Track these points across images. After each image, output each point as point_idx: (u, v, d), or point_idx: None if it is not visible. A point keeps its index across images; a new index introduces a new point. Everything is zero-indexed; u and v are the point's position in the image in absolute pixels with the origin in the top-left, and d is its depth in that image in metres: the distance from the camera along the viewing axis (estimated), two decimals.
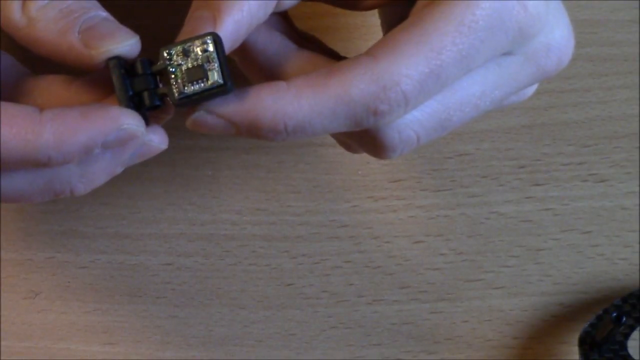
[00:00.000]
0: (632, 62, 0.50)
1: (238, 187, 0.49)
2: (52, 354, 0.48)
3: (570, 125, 0.50)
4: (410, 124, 0.36)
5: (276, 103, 0.34)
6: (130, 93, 0.35)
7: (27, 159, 0.34)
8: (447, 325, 0.49)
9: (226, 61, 0.35)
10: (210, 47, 0.35)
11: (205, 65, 0.35)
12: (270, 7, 0.36)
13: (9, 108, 0.34)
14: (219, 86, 0.35)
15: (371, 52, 0.35)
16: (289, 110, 0.34)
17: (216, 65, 0.35)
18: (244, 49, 0.37)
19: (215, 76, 0.35)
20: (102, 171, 0.36)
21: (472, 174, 0.50)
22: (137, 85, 0.35)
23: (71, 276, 0.49)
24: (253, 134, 0.35)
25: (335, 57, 0.39)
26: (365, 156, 0.49)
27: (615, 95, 0.50)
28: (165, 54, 0.35)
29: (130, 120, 0.35)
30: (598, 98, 0.50)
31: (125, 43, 0.36)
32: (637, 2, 0.51)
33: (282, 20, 0.39)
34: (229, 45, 0.35)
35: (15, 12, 0.35)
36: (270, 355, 0.49)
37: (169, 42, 0.35)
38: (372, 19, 0.47)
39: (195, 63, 0.35)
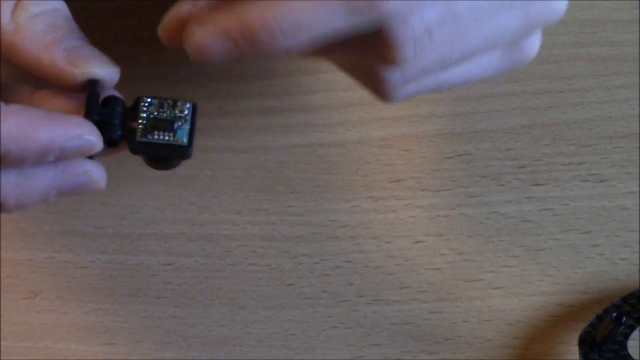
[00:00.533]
0: (632, 62, 0.50)
1: (238, 187, 0.49)
2: (52, 354, 0.48)
3: (570, 125, 0.50)
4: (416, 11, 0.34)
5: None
6: (96, 118, 0.36)
7: None
8: (447, 325, 0.49)
9: (195, 130, 0.36)
10: (187, 111, 0.36)
11: (176, 123, 0.36)
12: None
13: None
14: (181, 146, 0.36)
15: None
16: (275, 6, 0.33)
17: (187, 127, 0.36)
18: None
19: (183, 135, 0.36)
20: (38, 189, 0.36)
21: (472, 174, 0.50)
22: (105, 114, 0.36)
23: (71, 276, 0.49)
24: (249, 41, 0.33)
25: None
26: (365, 156, 0.49)
27: (615, 95, 0.50)
28: (143, 101, 0.36)
29: (92, 132, 0.35)
30: (598, 98, 0.50)
31: (109, 69, 0.36)
32: (637, 2, 0.51)
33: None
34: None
35: (4, 17, 0.35)
36: (270, 355, 0.49)
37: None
38: None
39: (167, 117, 0.36)
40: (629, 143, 0.50)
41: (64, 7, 0.37)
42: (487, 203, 0.49)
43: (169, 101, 0.36)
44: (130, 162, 0.48)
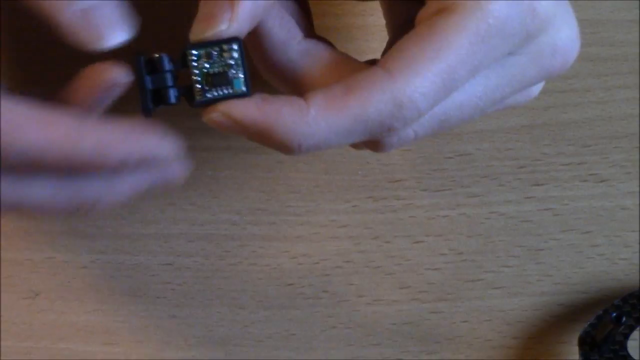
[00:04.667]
0: (632, 62, 0.50)
1: (238, 187, 0.49)
2: (52, 354, 0.48)
3: (570, 125, 0.50)
4: None
5: (294, 123, 0.34)
6: (150, 87, 0.36)
7: (64, 162, 0.34)
8: (447, 325, 0.49)
9: (247, 68, 0.35)
10: (236, 54, 0.35)
11: (230, 72, 0.35)
12: None
13: (54, 112, 0.34)
14: (242, 94, 0.35)
15: (387, 67, 0.35)
16: (307, 131, 0.34)
17: (241, 73, 0.35)
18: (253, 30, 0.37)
19: (240, 85, 0.35)
20: (126, 190, 0.36)
21: (472, 174, 0.50)
22: (157, 81, 0.36)
23: (71, 276, 0.49)
24: (263, 143, 0.35)
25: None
26: (365, 156, 0.49)
27: (615, 95, 0.50)
28: (190, 56, 0.35)
29: (170, 148, 0.35)
30: (598, 98, 0.50)
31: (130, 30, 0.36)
32: (637, 2, 0.51)
33: (298, 10, 0.39)
34: (247, 26, 0.35)
35: None
36: (270, 355, 0.49)
37: (193, 42, 0.35)
38: (372, 19, 0.47)
39: (220, 69, 0.35)
40: (629, 143, 0.50)
41: None
42: (487, 203, 0.49)
43: (215, 49, 0.35)
44: None
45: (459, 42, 0.34)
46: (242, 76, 0.35)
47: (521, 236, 0.49)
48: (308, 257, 0.49)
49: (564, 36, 0.37)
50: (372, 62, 0.40)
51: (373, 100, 0.34)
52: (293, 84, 0.38)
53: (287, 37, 0.38)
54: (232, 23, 0.35)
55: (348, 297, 0.49)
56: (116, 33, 0.35)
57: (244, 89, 0.35)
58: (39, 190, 0.35)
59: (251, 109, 0.35)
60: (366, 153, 0.49)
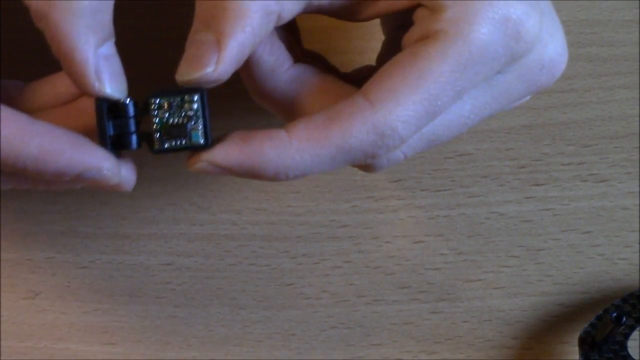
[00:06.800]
0: (632, 62, 0.50)
1: (238, 187, 0.49)
2: (52, 354, 0.48)
3: (570, 125, 0.50)
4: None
5: (279, 157, 0.34)
6: (111, 133, 0.36)
7: (5, 161, 0.34)
8: (447, 325, 0.49)
9: (209, 119, 0.35)
10: (196, 105, 0.35)
11: (189, 125, 0.35)
12: (272, 24, 0.36)
13: (6, 110, 0.34)
14: (199, 146, 0.35)
15: (368, 96, 0.35)
16: (291, 163, 0.35)
17: (200, 125, 0.36)
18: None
19: (199, 137, 0.36)
20: (66, 184, 0.37)
21: (472, 174, 0.50)
22: (119, 127, 0.36)
23: (71, 276, 0.49)
24: (253, 178, 0.35)
25: (334, 73, 0.39)
26: None
27: (615, 95, 0.50)
28: (152, 105, 0.36)
29: (111, 169, 0.35)
30: (598, 98, 0.50)
31: (122, 90, 0.36)
32: (637, 2, 0.51)
33: (285, 30, 0.39)
34: (233, 67, 0.35)
35: None
36: (270, 355, 0.49)
37: (161, 84, 0.36)
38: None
39: (179, 120, 0.36)
40: (629, 143, 0.50)
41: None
42: (487, 203, 0.49)
43: (177, 99, 0.35)
44: None
45: (440, 70, 0.34)
46: (201, 128, 0.36)
47: (521, 236, 0.49)
48: (308, 257, 0.49)
49: (551, 51, 0.37)
50: (366, 69, 0.40)
51: (354, 131, 0.34)
52: (283, 110, 0.38)
53: (275, 64, 0.37)
54: (219, 65, 0.34)
55: (348, 297, 0.49)
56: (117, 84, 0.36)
57: (201, 141, 0.36)
58: None
59: (234, 153, 0.35)
60: None
